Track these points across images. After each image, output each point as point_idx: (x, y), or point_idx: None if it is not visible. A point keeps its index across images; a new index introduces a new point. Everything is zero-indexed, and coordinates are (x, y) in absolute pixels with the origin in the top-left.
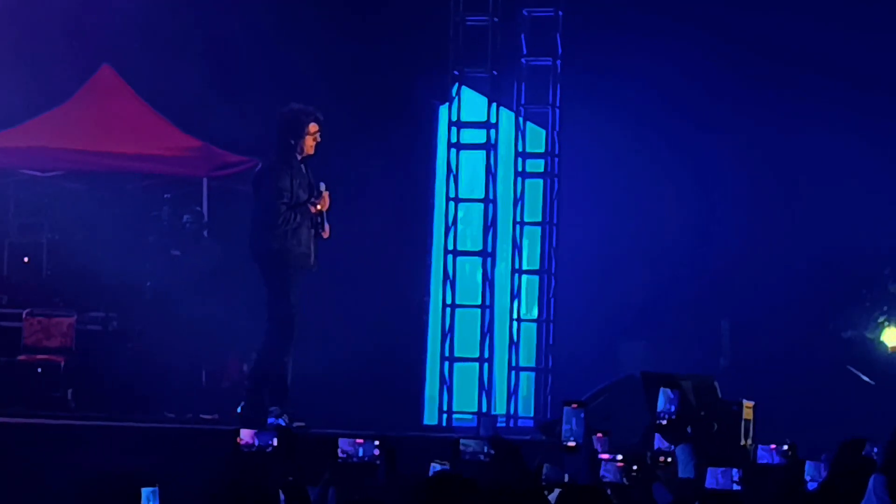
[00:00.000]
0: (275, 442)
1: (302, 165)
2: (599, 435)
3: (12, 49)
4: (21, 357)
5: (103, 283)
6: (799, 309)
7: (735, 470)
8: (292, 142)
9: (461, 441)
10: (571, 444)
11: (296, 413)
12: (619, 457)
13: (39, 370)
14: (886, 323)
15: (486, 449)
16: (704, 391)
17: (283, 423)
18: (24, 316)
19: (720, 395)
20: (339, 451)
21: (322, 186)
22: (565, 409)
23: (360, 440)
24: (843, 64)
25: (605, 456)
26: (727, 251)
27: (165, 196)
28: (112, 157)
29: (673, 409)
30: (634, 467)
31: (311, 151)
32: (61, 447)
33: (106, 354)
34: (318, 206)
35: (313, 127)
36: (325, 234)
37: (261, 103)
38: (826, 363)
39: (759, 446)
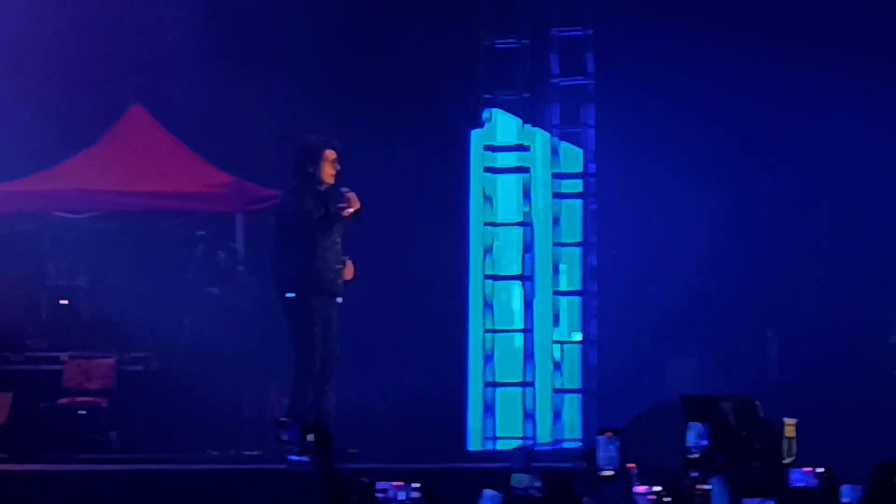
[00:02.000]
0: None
1: (323, 194)
2: (632, 466)
3: (43, 91)
4: (63, 400)
5: (142, 322)
6: (845, 315)
7: (770, 502)
8: (310, 170)
9: (513, 476)
10: (608, 473)
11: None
12: (655, 488)
13: (82, 413)
14: None
15: (538, 483)
16: (745, 411)
17: (306, 460)
18: (64, 359)
19: (761, 415)
20: (377, 493)
21: (345, 190)
22: (599, 437)
23: (399, 483)
24: (879, 68)
25: (641, 488)
26: (769, 261)
27: (199, 233)
28: (145, 197)
29: (704, 443)
30: (667, 500)
31: (331, 180)
32: (107, 493)
33: (148, 394)
34: (349, 210)
35: (330, 154)
36: (348, 273)
37: (294, 136)
38: (874, 369)
39: (793, 470)
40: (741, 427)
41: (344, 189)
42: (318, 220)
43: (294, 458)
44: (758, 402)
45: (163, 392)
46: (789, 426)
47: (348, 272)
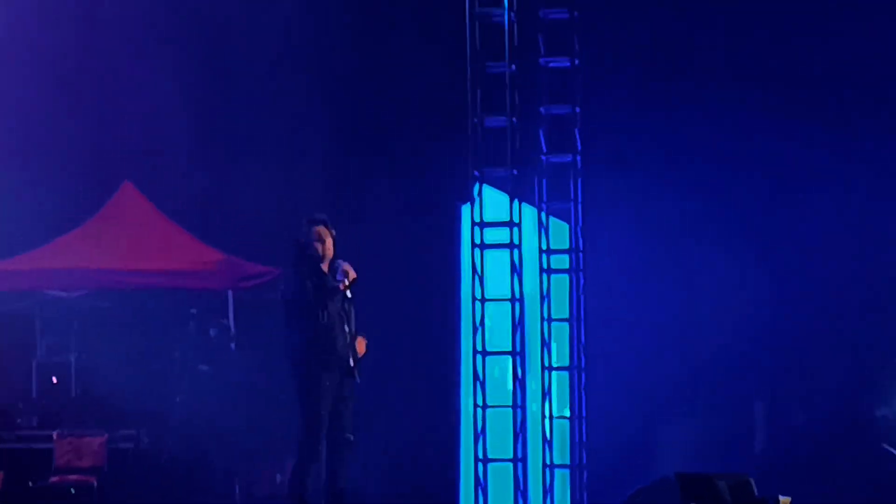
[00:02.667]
0: None
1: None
2: None
3: (35, 169)
4: (53, 479)
5: (133, 400)
6: (831, 387)
7: None
8: (308, 252)
9: None
10: None
11: None
12: None
13: (72, 491)
14: None
15: None
16: (740, 490)
17: None
18: (54, 437)
19: (756, 493)
20: None
21: (339, 263)
22: None
23: None
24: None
25: None
26: (755, 333)
27: (191, 310)
28: (137, 275)
29: None
30: None
31: (330, 252)
32: None
33: (139, 472)
34: (346, 282)
35: (316, 231)
36: (360, 347)
37: (282, 214)
38: (860, 442)
39: None
40: None
41: (339, 262)
42: (315, 295)
43: None
44: (752, 480)
45: (154, 470)
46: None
47: (360, 347)
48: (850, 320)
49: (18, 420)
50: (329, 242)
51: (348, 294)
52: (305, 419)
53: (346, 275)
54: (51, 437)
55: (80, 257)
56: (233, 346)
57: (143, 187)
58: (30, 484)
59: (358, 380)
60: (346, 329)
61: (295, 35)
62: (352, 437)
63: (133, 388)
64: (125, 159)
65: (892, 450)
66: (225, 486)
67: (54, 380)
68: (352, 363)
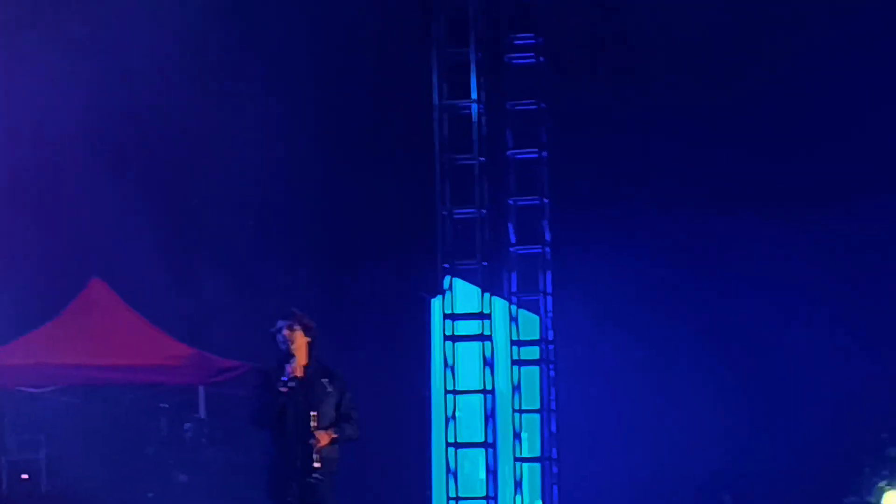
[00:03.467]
0: None
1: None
2: None
3: (2, 266)
4: None
5: (103, 497)
6: (799, 477)
7: None
8: (281, 356)
9: None
10: None
11: None
12: None
13: None
14: (887, 487)
15: None
16: None
17: None
18: None
19: None
20: None
21: (291, 361)
22: None
23: None
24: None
25: None
26: (724, 426)
27: (162, 405)
28: (107, 370)
29: None
30: None
31: (296, 349)
32: None
33: None
34: (288, 383)
35: (279, 327)
36: (318, 442)
37: (253, 307)
38: None
39: None
40: None
41: (290, 360)
42: (257, 405)
43: None
44: None
45: None
46: None
47: (316, 442)
48: (818, 414)
49: None
50: (294, 336)
51: (322, 390)
52: None
53: (288, 376)
54: None
55: (49, 353)
56: (204, 440)
57: (111, 282)
58: None
59: (318, 476)
60: (297, 431)
61: (260, 140)
62: None
63: (103, 485)
64: (93, 254)
65: None
66: None
67: (24, 476)
68: (314, 464)
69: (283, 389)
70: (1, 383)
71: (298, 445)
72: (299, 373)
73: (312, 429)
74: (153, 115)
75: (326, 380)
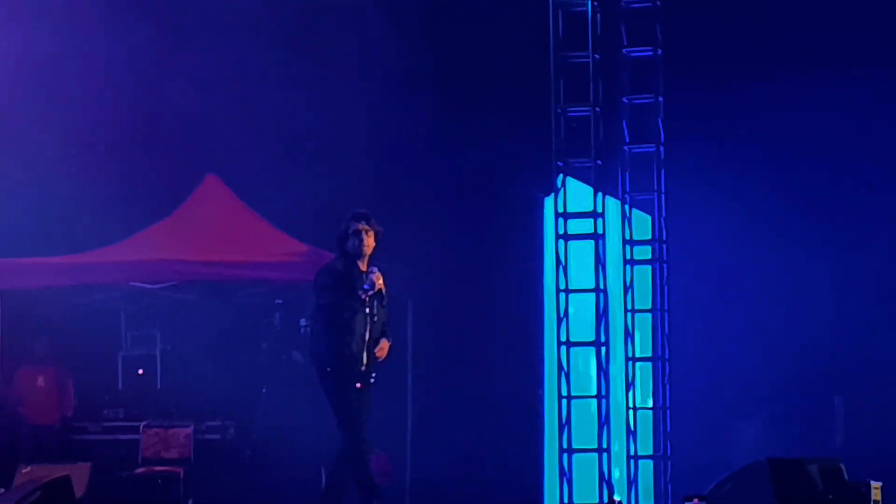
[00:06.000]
0: None
1: (360, 267)
2: None
3: (120, 162)
4: (140, 470)
5: (218, 391)
6: None
7: None
8: (345, 246)
9: None
10: None
11: None
12: None
13: (159, 482)
14: None
15: None
16: (831, 474)
17: None
18: (141, 428)
19: (847, 478)
20: None
21: (372, 271)
22: None
23: None
24: None
25: None
26: (838, 327)
27: (277, 302)
28: (221, 266)
29: None
30: None
31: (369, 249)
32: None
33: (225, 463)
34: (370, 292)
35: (356, 227)
36: (381, 352)
37: (365, 204)
38: None
39: None
40: (828, 490)
41: (373, 269)
42: (329, 302)
43: None
44: (843, 466)
45: (240, 461)
46: (875, 489)
47: (381, 351)
48: None
49: (105, 412)
50: (369, 239)
51: (381, 302)
52: (343, 423)
53: (372, 285)
54: (137, 428)
55: (165, 249)
56: None
57: (227, 180)
58: (117, 475)
59: (371, 381)
60: (366, 336)
61: (373, 30)
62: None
63: (219, 380)
64: (210, 151)
65: None
66: (311, 475)
67: (140, 372)
68: (364, 368)
69: (364, 297)
70: (117, 279)
71: (364, 349)
72: (382, 288)
73: (377, 338)
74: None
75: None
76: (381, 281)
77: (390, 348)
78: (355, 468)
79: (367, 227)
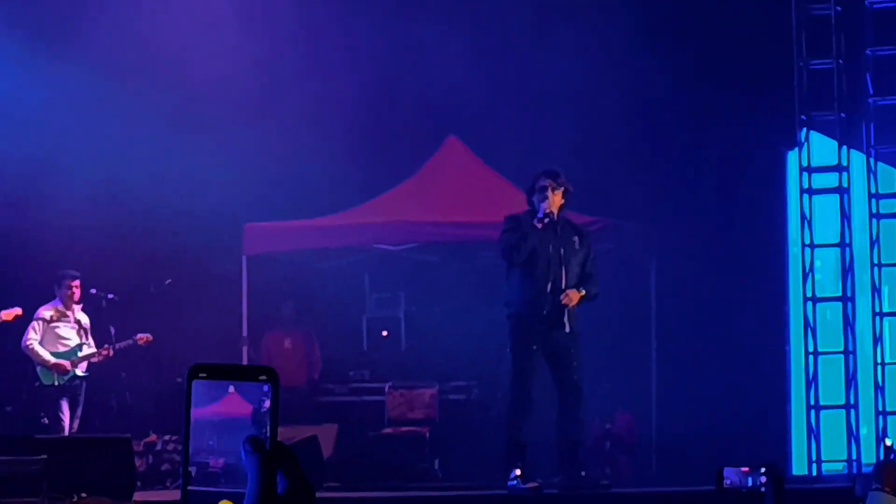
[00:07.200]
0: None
1: (549, 223)
2: None
3: (363, 125)
4: (387, 430)
5: (462, 352)
6: None
7: None
8: (533, 201)
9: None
10: None
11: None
12: None
13: (405, 442)
14: None
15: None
16: None
17: (522, 487)
18: (386, 389)
19: None
20: (725, 480)
21: (575, 241)
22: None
23: (746, 469)
24: None
25: None
26: None
27: None
28: (465, 227)
29: None
30: None
31: (554, 208)
32: None
33: (470, 423)
34: (544, 220)
35: (543, 183)
36: (566, 298)
37: (608, 164)
38: None
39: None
40: None
41: (576, 241)
42: (511, 252)
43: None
44: None
45: (485, 420)
46: None
47: (566, 298)
48: None
49: (351, 373)
50: (555, 197)
51: (571, 249)
52: (513, 367)
53: (543, 212)
54: (383, 389)
55: (407, 210)
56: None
57: (467, 140)
58: (365, 435)
59: (567, 330)
60: (549, 282)
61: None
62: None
63: (463, 341)
64: (451, 112)
65: None
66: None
67: (385, 333)
68: (552, 318)
69: (538, 225)
70: (360, 241)
71: (547, 292)
72: (554, 209)
73: (572, 285)
74: None
75: (577, 238)
76: (550, 206)
77: (582, 297)
78: (508, 426)
79: (554, 183)
